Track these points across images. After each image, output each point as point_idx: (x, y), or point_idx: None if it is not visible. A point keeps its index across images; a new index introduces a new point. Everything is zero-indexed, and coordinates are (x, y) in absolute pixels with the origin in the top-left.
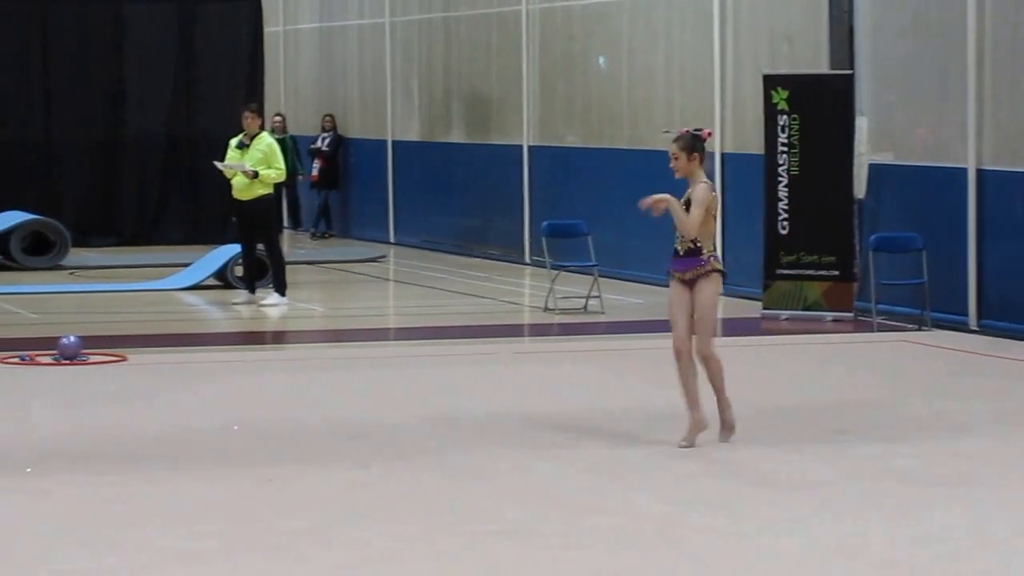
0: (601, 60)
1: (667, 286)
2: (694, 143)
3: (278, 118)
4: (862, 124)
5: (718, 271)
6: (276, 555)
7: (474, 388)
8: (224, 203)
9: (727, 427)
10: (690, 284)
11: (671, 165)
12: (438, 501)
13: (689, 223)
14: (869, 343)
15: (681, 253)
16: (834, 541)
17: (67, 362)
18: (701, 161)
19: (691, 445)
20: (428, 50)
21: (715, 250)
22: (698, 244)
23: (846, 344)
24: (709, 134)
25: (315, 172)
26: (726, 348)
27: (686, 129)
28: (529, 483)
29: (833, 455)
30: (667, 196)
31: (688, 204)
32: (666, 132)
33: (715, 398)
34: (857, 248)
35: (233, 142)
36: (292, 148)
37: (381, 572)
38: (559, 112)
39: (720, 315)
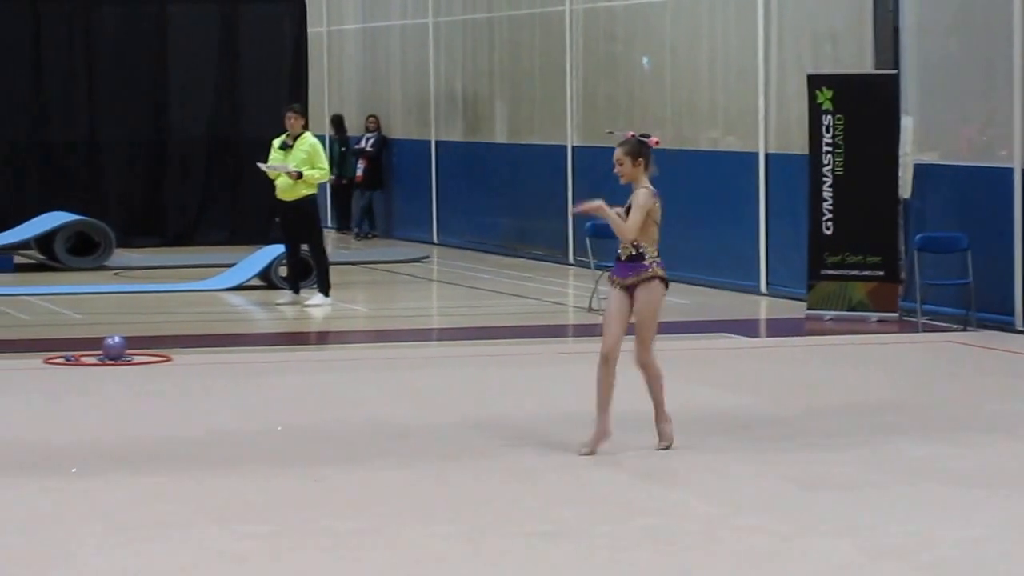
0: (645, 60)
1: (711, 287)
2: (640, 148)
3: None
4: (907, 124)
5: (659, 278)
6: (324, 555)
7: (519, 389)
8: (267, 203)
9: (665, 439)
10: (630, 291)
11: (615, 171)
12: (486, 501)
13: (627, 228)
14: (914, 344)
15: (623, 259)
16: (882, 542)
17: (112, 362)
18: (646, 167)
19: (592, 452)
20: (471, 50)
21: (658, 256)
22: (640, 250)
23: (891, 345)
24: (656, 142)
25: (359, 173)
26: (771, 349)
27: (631, 133)
28: (576, 483)
29: (880, 456)
30: (601, 204)
31: (630, 209)
32: (610, 132)
33: (654, 411)
34: (902, 248)
35: (276, 143)
36: (337, 151)
37: (430, 572)
38: (602, 112)
39: (764, 316)
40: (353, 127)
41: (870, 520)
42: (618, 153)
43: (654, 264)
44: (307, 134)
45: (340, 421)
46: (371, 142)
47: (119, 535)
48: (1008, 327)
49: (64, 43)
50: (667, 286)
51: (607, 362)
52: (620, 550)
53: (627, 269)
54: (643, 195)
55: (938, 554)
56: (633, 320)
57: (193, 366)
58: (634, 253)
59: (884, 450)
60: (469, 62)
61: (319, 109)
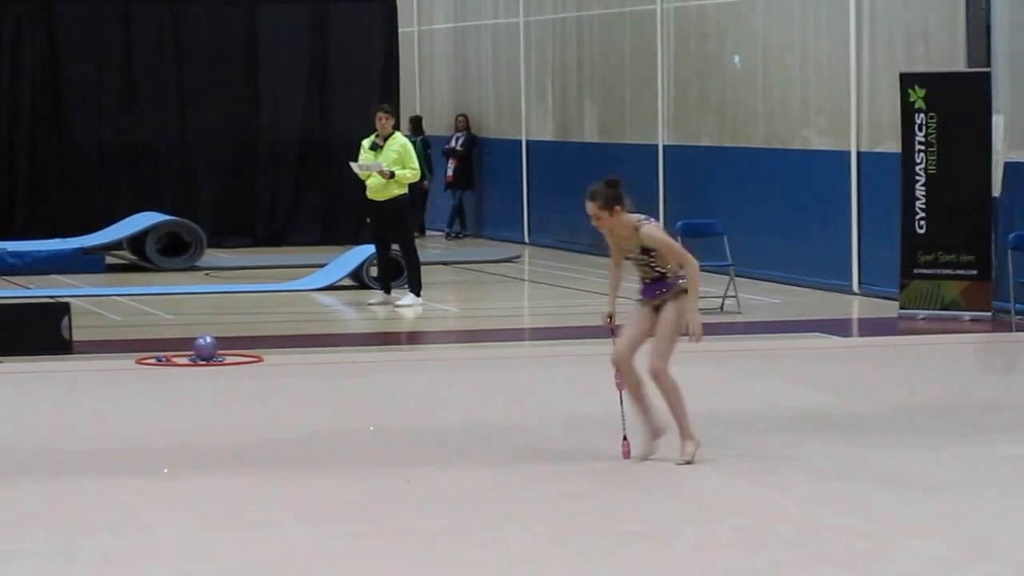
0: (736, 59)
1: (803, 287)
2: (612, 195)
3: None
4: (998, 122)
5: (684, 291)
6: (415, 555)
7: (610, 389)
8: (358, 203)
9: (684, 455)
10: (657, 308)
11: (594, 224)
12: (576, 501)
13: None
14: (1007, 343)
15: (648, 282)
16: (976, 542)
17: (203, 363)
18: (623, 208)
19: (653, 453)
20: (562, 49)
21: (679, 269)
22: (660, 271)
23: (984, 344)
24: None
25: (449, 173)
26: (863, 348)
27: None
28: (665, 483)
29: (971, 455)
30: (699, 330)
31: (644, 249)
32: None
33: (677, 427)
34: (994, 247)
35: (366, 143)
36: (422, 151)
37: (520, 572)
38: (694, 111)
39: (856, 315)
40: (444, 126)
41: (964, 520)
42: (592, 208)
43: (678, 280)
44: (398, 134)
45: (431, 421)
46: (460, 141)
47: (211, 535)
48: None
49: (155, 44)
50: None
51: (618, 368)
52: (711, 550)
53: (654, 290)
54: (654, 227)
55: None
56: (654, 330)
57: (284, 366)
58: (657, 276)
59: (978, 449)
60: (559, 61)
61: (410, 109)
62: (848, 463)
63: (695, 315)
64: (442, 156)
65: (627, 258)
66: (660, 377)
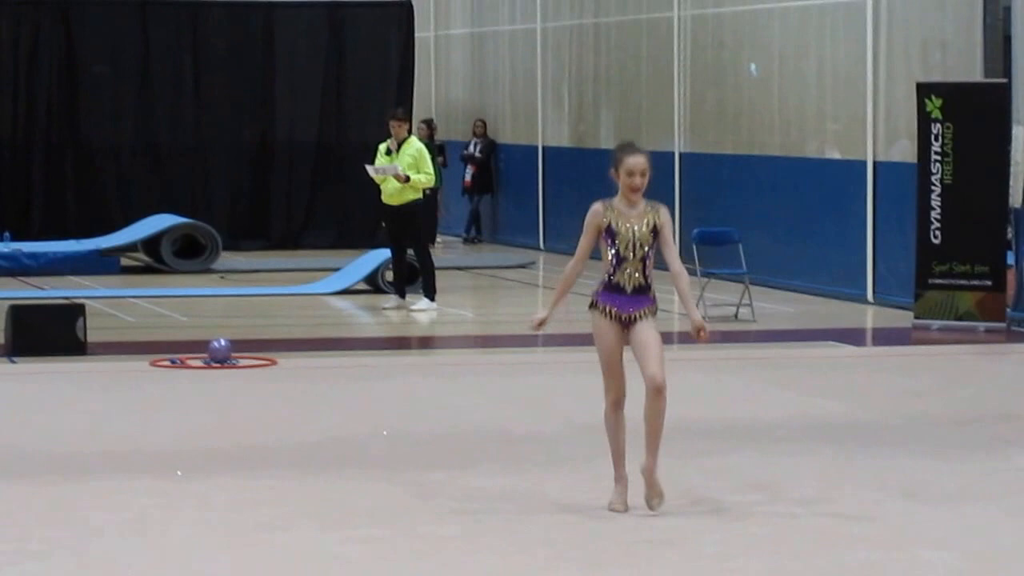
0: (752, 67)
1: (818, 295)
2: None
3: (422, 125)
4: (1019, 133)
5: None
6: (427, 561)
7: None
8: (374, 207)
9: (657, 491)
10: (628, 324)
11: (639, 182)
12: (593, 508)
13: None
14: (1021, 354)
15: (628, 291)
16: (987, 554)
17: (217, 365)
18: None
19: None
20: (579, 56)
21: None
22: (649, 281)
23: (999, 355)
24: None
25: (467, 178)
26: (877, 358)
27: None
28: (682, 491)
29: (987, 467)
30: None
31: (656, 231)
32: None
33: (647, 444)
34: (1016, 258)
35: (382, 148)
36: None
37: None
38: (710, 119)
39: (870, 324)
40: (461, 132)
41: (979, 531)
42: (643, 163)
43: (655, 295)
44: (413, 138)
45: (444, 426)
46: (479, 147)
47: (223, 538)
48: None
49: (171, 46)
50: None
51: (619, 407)
52: (728, 559)
53: (631, 303)
54: (669, 215)
55: None
56: (635, 346)
57: (298, 370)
58: (643, 283)
59: (991, 461)
60: (576, 68)
61: (426, 114)
62: (862, 473)
63: (698, 315)
64: (460, 161)
65: (620, 256)
66: (662, 392)
